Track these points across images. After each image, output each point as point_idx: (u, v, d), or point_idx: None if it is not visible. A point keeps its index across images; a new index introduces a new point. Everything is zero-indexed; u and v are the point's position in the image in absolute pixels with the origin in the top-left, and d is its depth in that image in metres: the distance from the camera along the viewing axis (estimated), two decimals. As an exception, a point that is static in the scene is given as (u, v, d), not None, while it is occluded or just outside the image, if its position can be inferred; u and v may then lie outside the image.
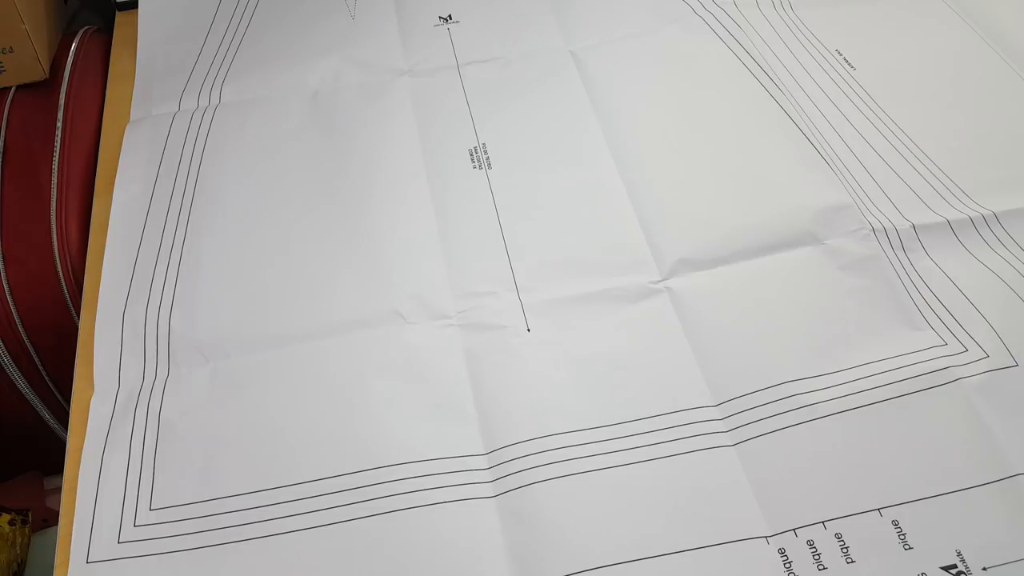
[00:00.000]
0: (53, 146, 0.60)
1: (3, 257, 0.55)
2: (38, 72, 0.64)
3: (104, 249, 0.53)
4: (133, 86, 0.65)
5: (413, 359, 0.49)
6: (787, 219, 0.55)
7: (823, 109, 0.63)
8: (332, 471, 0.44)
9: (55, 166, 0.59)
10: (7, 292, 0.55)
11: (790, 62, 0.66)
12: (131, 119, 0.63)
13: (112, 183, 0.56)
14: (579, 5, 0.71)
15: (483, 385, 0.48)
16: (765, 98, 0.62)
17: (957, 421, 0.45)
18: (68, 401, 0.48)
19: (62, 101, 0.63)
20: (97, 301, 0.51)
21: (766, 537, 0.42)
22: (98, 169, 0.59)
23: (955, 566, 0.40)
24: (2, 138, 0.60)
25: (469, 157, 0.60)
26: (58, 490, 0.59)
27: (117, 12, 0.73)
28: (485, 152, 0.60)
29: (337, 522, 0.43)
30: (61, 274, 0.56)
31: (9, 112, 0.62)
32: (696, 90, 0.64)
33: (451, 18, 0.71)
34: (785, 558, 0.41)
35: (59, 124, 0.61)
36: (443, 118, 0.63)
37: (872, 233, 0.54)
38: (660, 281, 0.53)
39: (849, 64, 0.66)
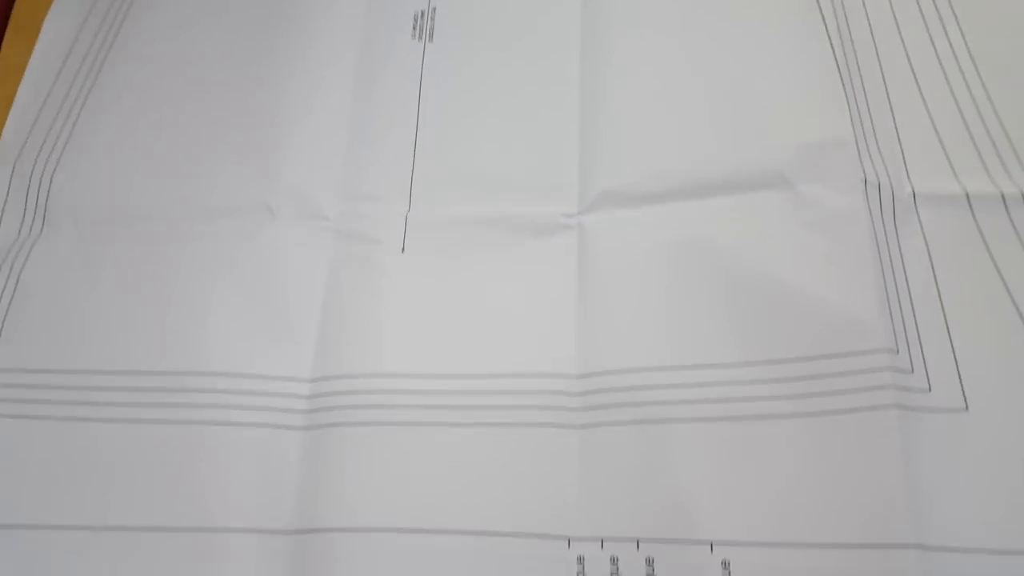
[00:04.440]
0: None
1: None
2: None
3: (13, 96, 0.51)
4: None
5: (268, 261, 0.44)
6: (762, 153, 0.43)
7: (879, 30, 0.47)
8: (149, 366, 0.42)
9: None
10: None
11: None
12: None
13: (26, 28, 0.54)
14: None
15: (334, 304, 0.43)
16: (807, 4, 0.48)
17: (859, 460, 0.35)
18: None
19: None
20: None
21: (568, 539, 0.36)
22: (14, 12, 0.56)
23: (776, 633, 0.32)
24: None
25: (412, 23, 0.52)
26: None
27: None
28: (432, 19, 0.51)
29: (137, 420, 0.41)
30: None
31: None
32: None
33: None
34: (580, 567, 0.35)
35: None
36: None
37: (862, 185, 0.41)
38: (574, 215, 0.44)
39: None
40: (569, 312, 0.41)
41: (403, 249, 0.44)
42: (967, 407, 0.36)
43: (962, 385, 0.36)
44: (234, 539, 0.37)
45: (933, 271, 0.39)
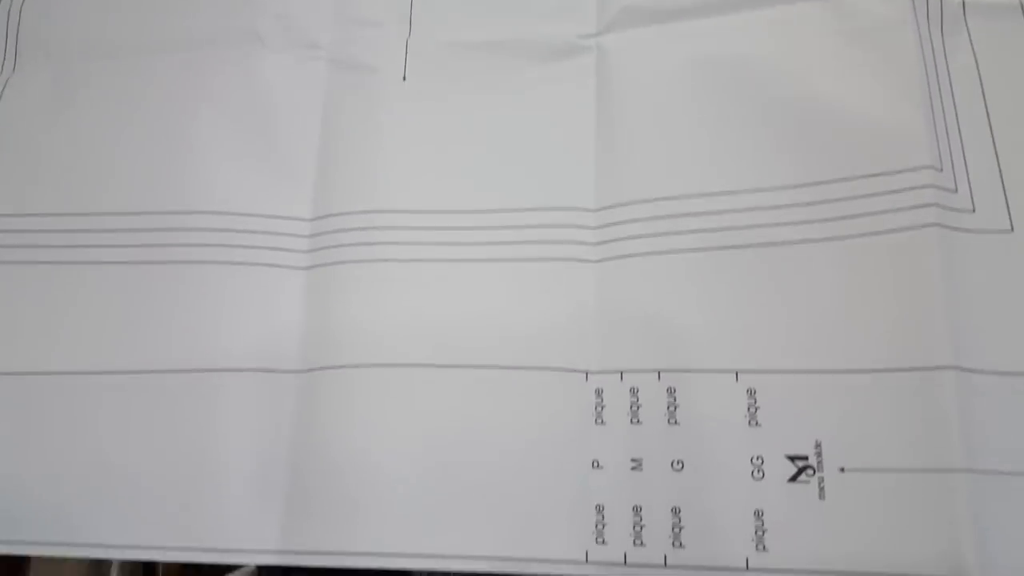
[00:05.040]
0: None
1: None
2: None
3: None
4: None
5: (260, 93, 0.41)
6: None
7: None
8: (137, 206, 0.40)
9: None
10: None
11: None
12: None
13: None
14: None
15: (332, 138, 0.40)
16: None
17: (897, 282, 0.33)
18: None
19: None
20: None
21: (586, 372, 0.34)
22: None
23: (804, 458, 0.31)
24: None
25: None
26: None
27: None
28: None
29: (131, 262, 0.39)
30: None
31: None
32: None
33: None
34: (599, 400, 0.34)
35: None
36: None
37: None
38: (592, 36, 0.40)
39: None
40: (587, 141, 0.38)
41: (404, 77, 0.41)
42: (1012, 228, 0.33)
43: (1008, 206, 0.34)
44: (238, 378, 0.36)
45: (981, 85, 0.36)
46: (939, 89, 0.36)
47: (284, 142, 0.40)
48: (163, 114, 0.41)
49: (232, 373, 0.36)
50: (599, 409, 0.34)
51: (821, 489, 0.30)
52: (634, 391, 0.33)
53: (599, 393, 0.34)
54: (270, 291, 0.38)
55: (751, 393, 0.32)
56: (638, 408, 0.33)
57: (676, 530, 0.31)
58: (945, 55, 0.36)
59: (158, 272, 0.38)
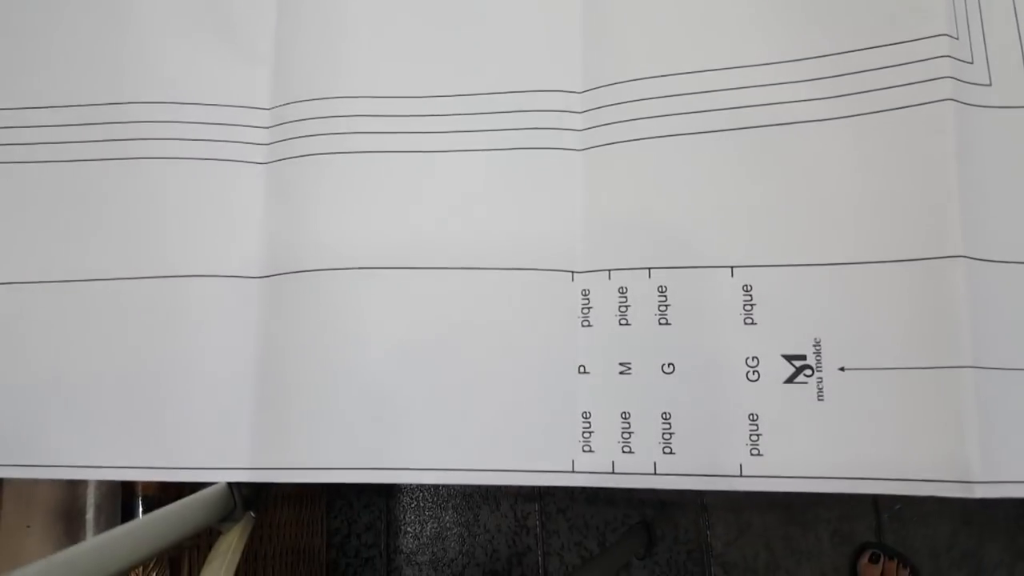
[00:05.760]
0: None
1: None
2: None
3: None
4: None
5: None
6: None
7: None
8: (80, 98, 0.36)
9: None
10: None
11: None
12: None
13: None
14: None
15: (292, 17, 0.36)
16: None
17: (908, 164, 0.30)
18: None
19: None
20: None
21: (572, 272, 0.32)
22: None
23: (803, 357, 0.29)
24: None
25: None
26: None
27: None
28: None
29: (78, 159, 0.35)
30: None
31: None
32: None
33: None
34: (585, 301, 0.32)
35: None
36: None
37: None
38: None
39: None
40: (574, 16, 0.34)
41: None
42: None
43: None
44: (200, 285, 0.34)
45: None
46: None
47: (238, 18, 0.36)
48: None
49: (192, 279, 0.34)
50: (586, 311, 0.32)
51: (820, 390, 0.29)
52: (623, 291, 0.31)
53: (586, 294, 0.32)
54: (227, 188, 0.35)
55: (747, 289, 0.30)
56: (627, 308, 0.31)
57: (666, 436, 0.30)
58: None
59: (100, 170, 0.35)
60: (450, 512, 0.80)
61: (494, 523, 0.79)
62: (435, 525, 0.80)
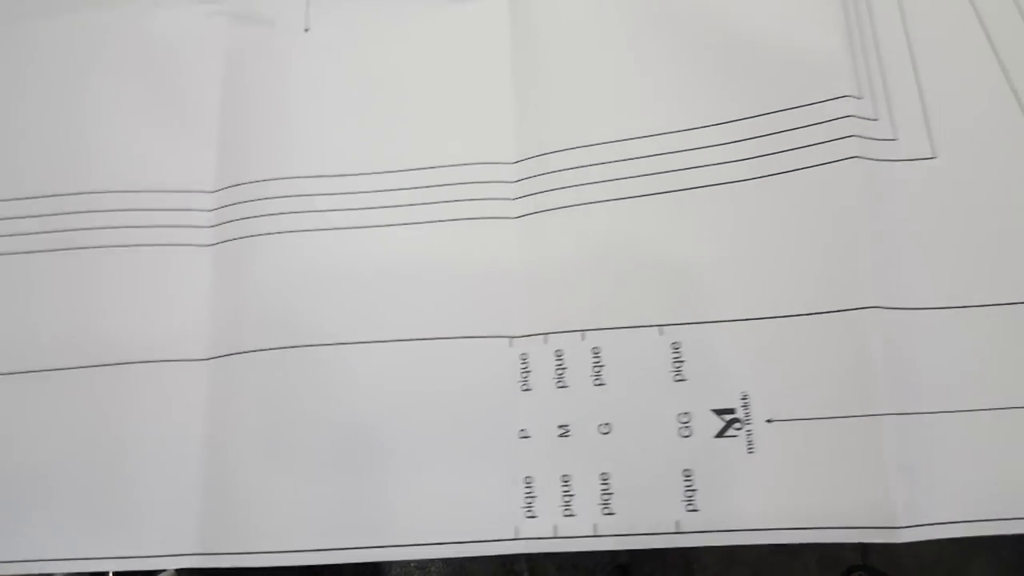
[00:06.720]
0: None
1: None
2: None
3: None
4: None
5: (157, 54, 0.38)
6: None
7: None
8: (24, 190, 0.37)
9: None
10: None
11: None
12: None
13: None
14: None
15: (236, 99, 0.37)
16: None
17: (820, 220, 0.31)
18: None
19: None
20: None
21: (510, 338, 0.33)
22: None
23: (732, 411, 0.31)
24: None
25: None
26: None
27: None
28: None
29: (18, 252, 0.36)
30: None
31: None
32: None
33: None
34: (524, 366, 0.33)
35: None
36: None
37: None
38: (500, -27, 0.37)
39: None
40: (504, 88, 0.36)
41: (307, 28, 0.38)
42: (934, 155, 0.32)
43: (930, 132, 0.32)
44: (149, 371, 0.34)
45: (901, 6, 0.34)
46: (856, 10, 0.34)
47: (184, 107, 0.38)
48: (53, 85, 0.38)
49: (141, 365, 0.35)
50: (525, 375, 0.33)
51: (749, 443, 0.30)
52: (559, 353, 0.32)
53: (524, 358, 0.33)
54: (175, 273, 0.36)
55: (676, 347, 0.32)
56: (564, 371, 0.32)
57: (605, 497, 0.30)
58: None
59: (48, 261, 0.36)
60: (437, 562, 0.79)
61: (480, 568, 0.79)
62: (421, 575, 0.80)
